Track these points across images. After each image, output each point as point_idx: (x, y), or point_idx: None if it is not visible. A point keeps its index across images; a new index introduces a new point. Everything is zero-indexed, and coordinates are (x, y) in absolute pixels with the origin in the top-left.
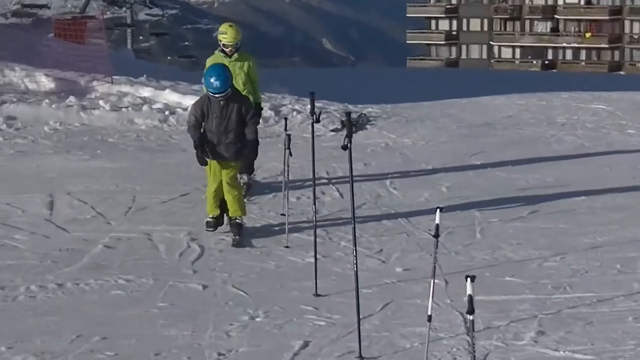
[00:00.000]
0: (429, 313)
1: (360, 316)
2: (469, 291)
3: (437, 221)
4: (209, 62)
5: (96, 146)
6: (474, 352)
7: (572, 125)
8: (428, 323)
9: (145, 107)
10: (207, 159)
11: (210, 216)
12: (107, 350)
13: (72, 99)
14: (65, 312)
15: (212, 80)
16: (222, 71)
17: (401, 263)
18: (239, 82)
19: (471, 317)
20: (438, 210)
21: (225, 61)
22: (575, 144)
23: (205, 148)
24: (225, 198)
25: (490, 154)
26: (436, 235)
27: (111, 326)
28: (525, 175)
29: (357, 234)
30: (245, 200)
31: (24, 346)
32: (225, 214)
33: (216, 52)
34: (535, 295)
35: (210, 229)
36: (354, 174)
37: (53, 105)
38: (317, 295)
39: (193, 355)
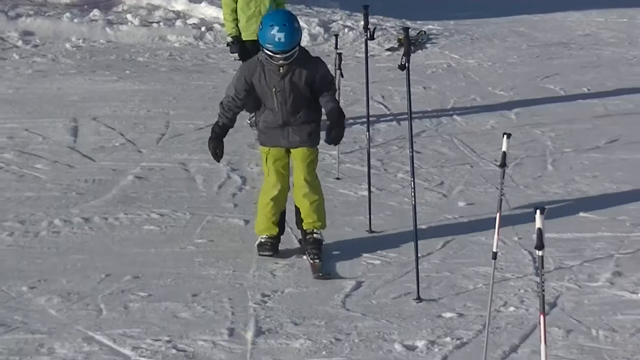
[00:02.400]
0: (495, 250)
1: (419, 255)
2: (538, 225)
3: (503, 149)
4: None
5: (124, 66)
6: (544, 292)
7: None
8: (493, 262)
9: (178, 22)
10: (220, 157)
11: (265, 236)
12: (139, 291)
13: (96, 12)
14: (93, 249)
15: (273, 32)
16: (290, 19)
17: (464, 197)
18: (265, 4)
19: (540, 254)
20: (505, 137)
21: None
22: None
23: (221, 141)
24: (298, 204)
25: (565, 76)
26: (503, 165)
27: (144, 265)
28: (604, 101)
29: (415, 165)
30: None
31: (47, 286)
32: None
33: None
34: (612, 233)
35: (267, 254)
36: (412, 97)
37: (75, 20)
38: (371, 232)
39: (235, 297)
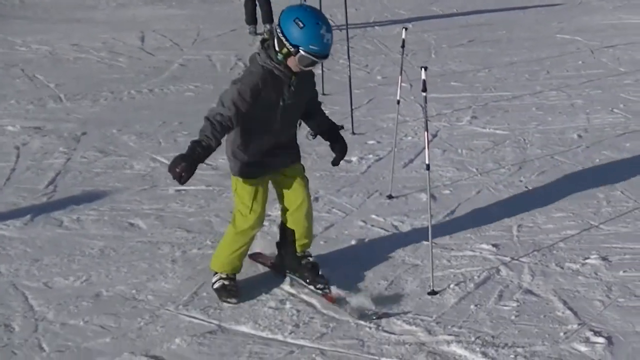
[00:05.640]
0: (398, 99)
1: (353, 107)
2: (423, 77)
3: (403, 37)
4: None
5: (171, 0)
6: (428, 120)
7: None
8: (397, 107)
9: None
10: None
11: (227, 275)
12: (183, 131)
13: None
14: (154, 107)
15: (322, 31)
16: (328, 22)
17: (380, 73)
18: None
19: (424, 95)
20: (404, 29)
21: None
22: None
23: (196, 167)
24: (295, 225)
25: (442, 3)
26: (402, 46)
27: (185, 116)
28: (466, 17)
29: (350, 54)
30: None
31: (128, 129)
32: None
33: None
34: (471, 94)
35: (233, 301)
36: (348, 15)
37: None
38: (323, 94)
39: None
